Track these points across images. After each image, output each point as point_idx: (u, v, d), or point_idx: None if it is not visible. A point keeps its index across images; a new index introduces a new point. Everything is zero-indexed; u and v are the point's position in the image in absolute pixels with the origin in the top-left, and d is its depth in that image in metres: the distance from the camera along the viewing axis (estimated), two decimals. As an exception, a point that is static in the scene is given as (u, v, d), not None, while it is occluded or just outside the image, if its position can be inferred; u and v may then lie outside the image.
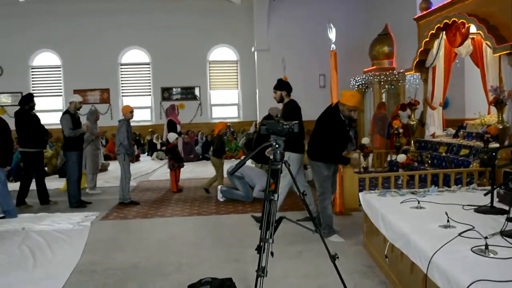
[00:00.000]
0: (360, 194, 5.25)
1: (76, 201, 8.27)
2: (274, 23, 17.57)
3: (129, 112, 8.51)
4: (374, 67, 14.16)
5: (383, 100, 13.66)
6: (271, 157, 3.45)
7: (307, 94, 16.32)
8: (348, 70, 15.21)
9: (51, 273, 4.79)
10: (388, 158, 10.43)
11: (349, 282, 4.08)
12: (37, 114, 8.62)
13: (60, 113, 8.39)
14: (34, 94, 8.94)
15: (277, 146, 3.41)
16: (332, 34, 6.85)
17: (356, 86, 15.03)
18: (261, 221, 3.36)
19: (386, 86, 13.79)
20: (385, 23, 14.14)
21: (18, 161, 11.88)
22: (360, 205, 5.26)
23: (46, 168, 11.71)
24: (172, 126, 9.60)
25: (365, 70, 14.66)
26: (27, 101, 8.31)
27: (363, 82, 14.59)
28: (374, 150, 10.94)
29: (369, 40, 14.65)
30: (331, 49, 6.93)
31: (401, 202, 4.51)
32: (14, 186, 10.89)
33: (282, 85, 6.54)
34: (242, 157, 9.15)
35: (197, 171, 12.76)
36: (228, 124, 16.60)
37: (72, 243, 5.89)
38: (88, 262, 5.11)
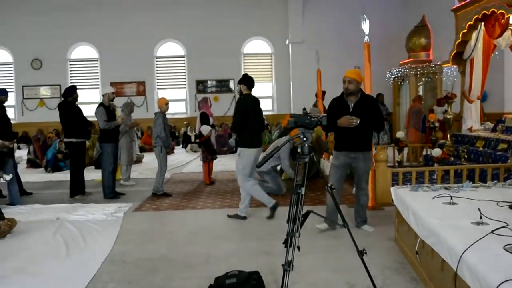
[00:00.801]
0: (392, 188, 5.15)
1: (111, 192, 8.40)
2: (309, 15, 17.45)
3: (164, 104, 8.59)
4: (411, 59, 13.90)
5: (420, 93, 13.40)
6: (299, 150, 3.42)
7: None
8: (384, 62, 14.99)
9: (83, 262, 4.88)
10: (424, 153, 10.23)
11: (378, 278, 4.02)
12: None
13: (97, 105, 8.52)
14: (72, 87, 9.11)
15: (304, 139, 3.37)
16: (365, 26, 6.73)
17: (392, 78, 14.81)
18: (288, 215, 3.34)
19: (423, 79, 13.54)
20: (422, 14, 13.84)
21: (56, 152, 12.17)
22: (392, 200, 5.17)
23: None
24: (204, 118, 9.64)
25: (401, 62, 14.41)
26: (70, 93, 8.46)
27: (399, 74, 14.36)
28: (409, 144, 10.76)
29: (405, 31, 14.38)
30: (365, 41, 6.82)
31: (433, 198, 4.40)
32: (51, 177, 11.23)
33: (243, 79, 6.63)
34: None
35: (230, 164, 12.76)
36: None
37: (105, 233, 5.99)
38: (119, 252, 5.18)
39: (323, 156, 10.03)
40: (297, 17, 17.50)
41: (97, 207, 7.46)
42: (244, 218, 6.48)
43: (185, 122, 18.26)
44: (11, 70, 19.50)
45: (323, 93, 11.59)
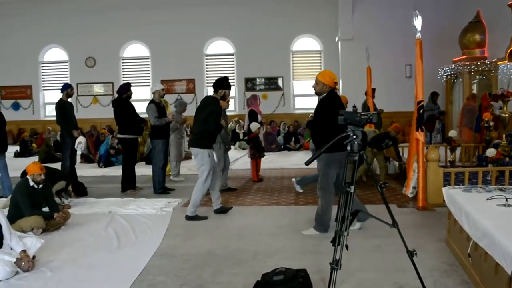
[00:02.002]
0: (444, 189, 5.03)
1: (161, 187, 8.55)
2: (359, 12, 17.22)
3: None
4: (464, 56, 13.55)
5: (474, 91, 13.02)
6: (348, 148, 3.38)
7: (392, 84, 15.96)
8: (436, 59, 14.64)
9: (133, 254, 5.00)
10: (477, 153, 9.94)
11: (428, 279, 3.94)
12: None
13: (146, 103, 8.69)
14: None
15: (354, 136, 3.33)
16: (417, 22, 6.59)
17: (445, 76, 14.46)
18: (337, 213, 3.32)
19: (477, 77, 13.17)
20: (477, 9, 13.44)
21: (108, 148, 12.50)
22: (444, 200, 5.05)
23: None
24: (253, 116, 9.68)
25: (454, 59, 14.06)
26: (124, 90, 8.68)
27: (452, 72, 14.02)
28: (462, 143, 10.47)
29: (459, 28, 14.02)
30: (417, 37, 6.68)
31: (487, 199, 4.27)
32: (103, 171, 11.54)
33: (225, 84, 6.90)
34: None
35: (278, 162, 12.80)
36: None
37: (154, 227, 6.11)
38: (168, 246, 5.28)
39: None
40: (347, 14, 17.30)
41: (147, 202, 7.62)
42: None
43: (235, 120, 18.36)
44: (67, 68, 20.15)
45: (373, 90, 11.44)
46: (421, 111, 6.75)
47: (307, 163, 3.41)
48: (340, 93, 17.51)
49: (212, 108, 6.61)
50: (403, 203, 7.15)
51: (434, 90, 13.73)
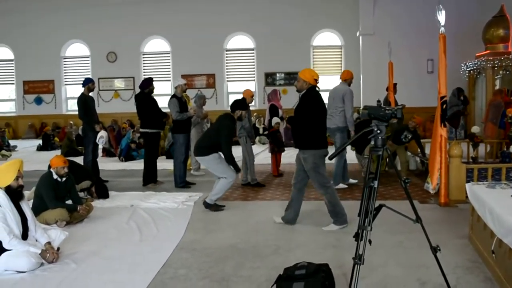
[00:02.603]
0: (467, 185, 4.98)
1: (182, 181, 8.60)
2: (380, 6, 17.09)
3: (249, 96, 8.72)
4: (488, 51, 13.37)
5: (497, 87, 12.84)
6: (372, 143, 3.37)
7: (414, 80, 15.83)
8: (459, 54, 14.44)
9: (156, 247, 5.05)
10: (501, 149, 9.81)
11: (451, 276, 3.91)
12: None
13: (169, 97, 8.74)
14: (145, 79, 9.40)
15: (378, 131, 3.32)
16: (441, 16, 6.50)
17: (467, 71, 14.27)
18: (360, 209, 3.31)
19: (501, 72, 12.98)
20: (501, 4, 13.24)
21: (129, 142, 12.60)
22: (467, 197, 5.00)
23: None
24: (274, 110, 9.68)
25: (477, 54, 13.88)
26: (147, 84, 8.74)
27: (474, 67, 13.84)
28: (485, 140, 10.34)
29: (482, 22, 13.81)
30: (440, 32, 6.60)
31: (511, 195, 4.22)
32: (124, 165, 11.65)
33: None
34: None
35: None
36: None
37: (176, 221, 6.16)
38: (190, 240, 5.32)
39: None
40: (368, 8, 17.17)
41: (169, 196, 7.68)
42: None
43: (255, 114, 18.37)
44: (88, 63, 20.36)
45: (394, 85, 11.34)
46: (444, 106, 6.68)
47: (331, 157, 3.41)
48: (361, 88, 17.50)
49: (226, 123, 6.79)
50: (424, 199, 7.09)
51: (459, 86, 13.58)
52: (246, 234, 5.51)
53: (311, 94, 5.57)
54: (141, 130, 8.91)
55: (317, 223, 5.84)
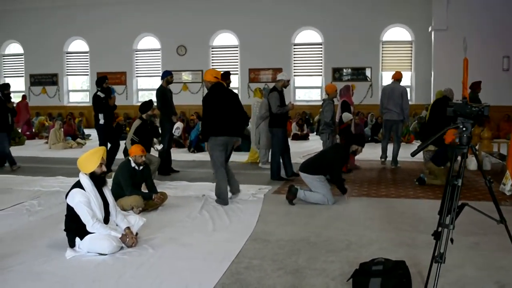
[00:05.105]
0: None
1: (278, 173, 8.62)
2: (454, 1, 16.52)
3: (334, 91, 8.74)
4: None
5: None
6: (457, 140, 3.31)
7: (489, 77, 15.22)
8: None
9: (228, 237, 5.15)
10: None
11: (533, 280, 3.79)
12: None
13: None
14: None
15: (464, 129, 3.26)
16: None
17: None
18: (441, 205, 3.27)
19: None
20: None
21: (198, 134, 12.87)
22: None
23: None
24: (345, 106, 9.63)
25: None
26: (223, 78, 8.90)
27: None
28: None
29: None
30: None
31: None
32: (194, 156, 11.92)
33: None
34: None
35: (367, 153, 12.59)
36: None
37: (247, 212, 6.25)
38: (261, 231, 5.38)
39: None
40: (442, 3, 16.65)
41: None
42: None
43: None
44: (159, 56, 20.90)
45: (479, 83, 10.90)
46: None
47: (413, 154, 3.38)
48: (431, 85, 17.02)
49: (341, 155, 6.95)
50: (500, 200, 6.85)
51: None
52: (317, 228, 5.52)
53: (213, 90, 6.61)
54: None
55: (388, 221, 5.78)
